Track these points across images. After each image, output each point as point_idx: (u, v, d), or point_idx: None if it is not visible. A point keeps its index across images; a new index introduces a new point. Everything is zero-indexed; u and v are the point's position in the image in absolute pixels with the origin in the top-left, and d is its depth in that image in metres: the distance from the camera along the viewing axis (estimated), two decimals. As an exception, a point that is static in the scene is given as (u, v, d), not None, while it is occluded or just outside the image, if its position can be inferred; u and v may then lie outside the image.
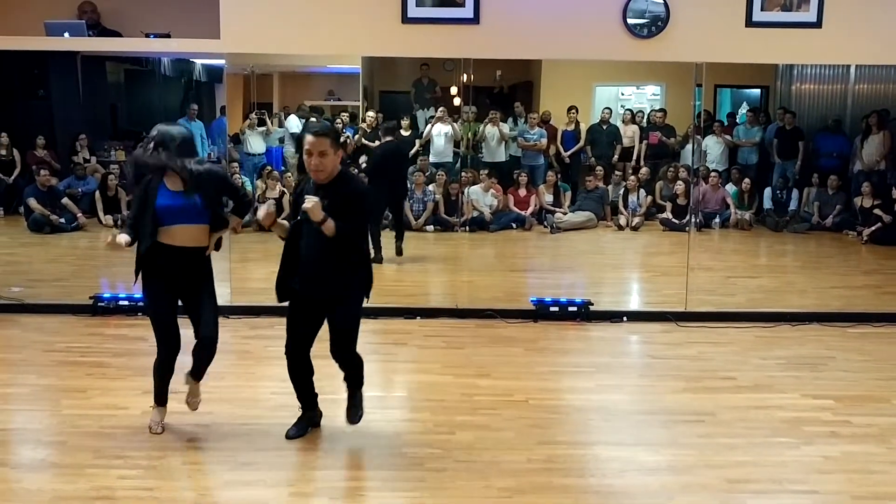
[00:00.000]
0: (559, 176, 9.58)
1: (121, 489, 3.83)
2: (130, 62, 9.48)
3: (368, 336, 6.31)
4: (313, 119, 9.45)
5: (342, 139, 4.19)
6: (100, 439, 4.34)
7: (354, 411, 4.41)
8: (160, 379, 4.43)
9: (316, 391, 4.52)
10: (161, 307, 4.29)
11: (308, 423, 4.49)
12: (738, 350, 6.13)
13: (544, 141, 9.40)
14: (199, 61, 9.32)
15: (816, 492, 3.93)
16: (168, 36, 7.22)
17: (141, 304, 6.82)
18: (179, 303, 4.34)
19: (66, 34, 6.91)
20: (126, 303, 6.80)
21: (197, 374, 4.41)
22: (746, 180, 9.77)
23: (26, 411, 4.77)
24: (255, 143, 9.59)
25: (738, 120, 10.16)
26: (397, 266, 8.43)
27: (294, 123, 9.68)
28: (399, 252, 8.40)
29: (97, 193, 9.28)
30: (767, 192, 9.90)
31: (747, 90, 10.42)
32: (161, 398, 4.47)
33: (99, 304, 6.77)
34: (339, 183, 4.10)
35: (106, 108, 10.06)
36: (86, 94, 9.46)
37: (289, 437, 4.38)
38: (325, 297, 4.20)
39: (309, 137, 4.02)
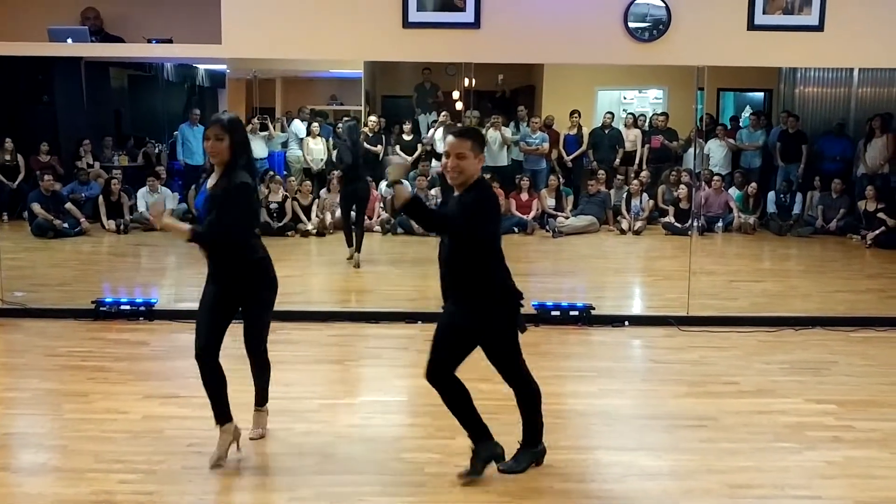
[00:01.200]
0: (561, 180, 9.58)
1: (121, 493, 3.82)
2: (134, 68, 9.52)
3: (368, 341, 6.34)
4: (316, 123, 9.47)
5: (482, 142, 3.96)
6: (101, 443, 4.34)
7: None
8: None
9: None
10: None
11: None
12: (740, 354, 6.11)
13: (546, 145, 9.42)
14: (201, 66, 9.35)
15: (819, 497, 3.91)
16: (171, 41, 7.24)
17: (143, 308, 6.85)
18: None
19: (70, 40, 6.92)
20: (128, 307, 6.81)
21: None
22: (753, 185, 9.76)
23: (28, 415, 4.77)
24: (258, 148, 9.60)
25: (741, 123, 10.16)
26: (398, 270, 8.42)
27: (298, 127, 9.70)
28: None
29: (100, 198, 9.32)
30: (771, 195, 9.89)
31: (750, 93, 10.43)
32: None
33: (101, 308, 6.78)
34: (469, 191, 3.83)
35: (110, 113, 10.10)
36: (89, 99, 9.49)
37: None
38: None
39: (449, 138, 3.84)
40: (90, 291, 7.03)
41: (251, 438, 4.35)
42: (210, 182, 4.04)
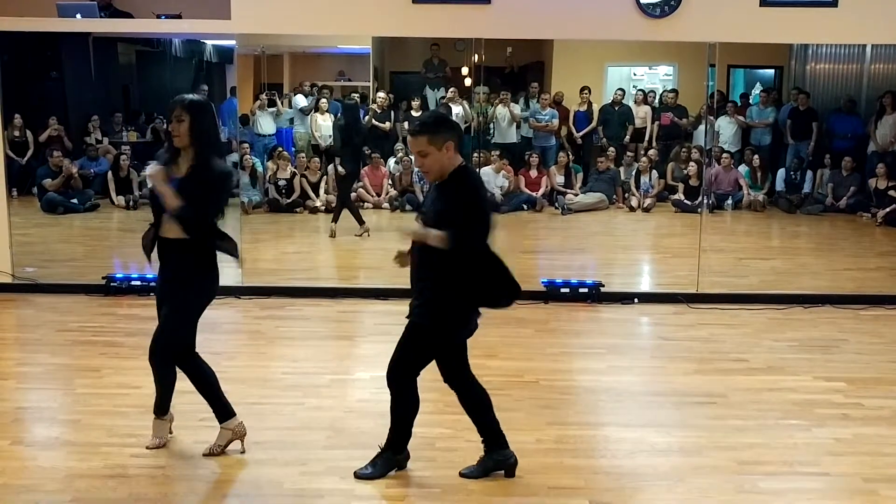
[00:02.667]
0: (571, 157, 9.54)
1: (133, 467, 3.86)
2: (142, 43, 9.48)
3: (377, 317, 6.36)
4: (323, 99, 9.43)
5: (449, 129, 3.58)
6: (113, 418, 4.38)
7: None
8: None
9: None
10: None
11: None
12: (749, 332, 6.11)
13: (556, 122, 9.37)
14: (209, 42, 9.32)
15: (827, 474, 3.92)
16: (179, 17, 7.22)
17: (153, 283, 6.87)
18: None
19: (78, 15, 6.91)
20: (138, 283, 6.83)
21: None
22: (757, 157, 9.71)
23: (40, 390, 4.82)
24: (266, 124, 9.60)
25: (751, 101, 10.09)
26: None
27: (301, 102, 9.68)
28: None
29: (109, 174, 9.31)
30: (781, 173, 9.83)
31: (761, 70, 10.34)
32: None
33: (112, 284, 6.81)
34: (451, 182, 3.57)
35: (118, 89, 10.07)
36: (98, 75, 9.47)
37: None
38: None
39: (409, 137, 3.64)
40: (101, 267, 7.06)
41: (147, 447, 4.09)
42: (181, 168, 3.80)
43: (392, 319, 6.30)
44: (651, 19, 6.63)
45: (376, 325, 6.20)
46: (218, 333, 6.07)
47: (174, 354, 3.91)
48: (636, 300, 6.86)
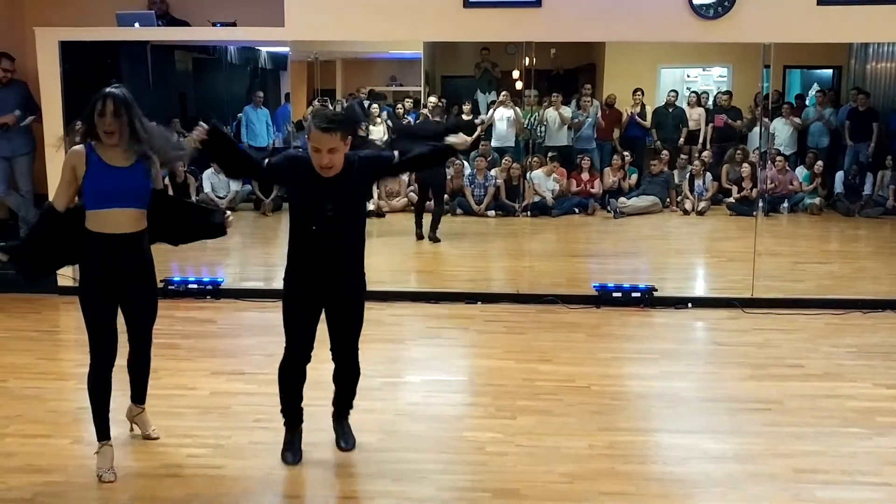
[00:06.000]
0: (627, 160, 9.47)
1: (189, 467, 3.94)
2: (198, 51, 9.65)
3: (429, 321, 6.38)
4: (376, 104, 9.51)
5: (356, 126, 3.81)
6: (169, 418, 4.46)
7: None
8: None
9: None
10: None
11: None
12: (806, 337, 5.99)
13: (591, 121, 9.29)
14: (264, 49, 9.44)
15: (890, 484, 3.82)
16: (234, 24, 7.35)
17: (210, 286, 7.01)
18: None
19: (137, 24, 7.08)
20: (195, 286, 6.97)
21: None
22: (819, 163, 9.52)
23: (100, 391, 4.92)
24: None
25: (807, 102, 9.89)
26: (458, 251, 8.45)
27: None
28: (432, 238, 8.49)
29: (167, 180, 9.49)
30: (839, 175, 9.62)
31: (818, 70, 10.13)
32: (105, 430, 3.91)
33: (169, 287, 6.95)
34: (347, 169, 3.74)
35: (175, 95, 10.27)
36: (156, 82, 9.66)
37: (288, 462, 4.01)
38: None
39: (314, 133, 3.60)
40: (159, 270, 6.96)
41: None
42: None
43: (442, 323, 6.35)
44: (705, 20, 6.55)
45: (427, 329, 6.23)
46: (272, 336, 6.13)
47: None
48: (690, 305, 6.78)
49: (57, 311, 6.76)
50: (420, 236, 8.50)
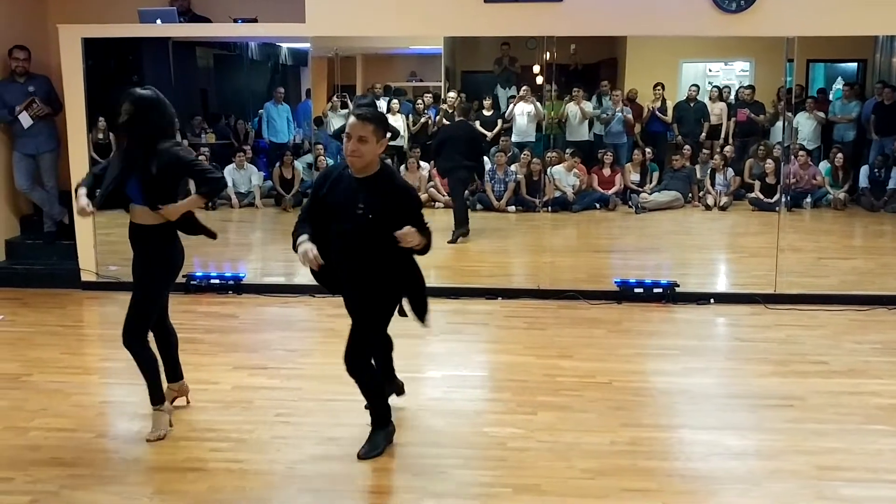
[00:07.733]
0: (648, 155, 9.42)
1: (213, 461, 3.96)
2: (219, 47, 9.69)
3: (450, 316, 6.38)
4: (396, 100, 9.52)
5: (390, 130, 3.92)
6: (192, 413, 4.50)
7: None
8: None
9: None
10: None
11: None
12: (829, 334, 5.94)
13: (629, 117, 9.25)
14: (285, 45, 9.48)
15: (914, 481, 3.79)
16: (255, 21, 7.37)
17: (231, 282, 7.05)
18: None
19: (159, 21, 7.12)
20: (217, 281, 7.01)
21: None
22: (840, 156, 9.43)
23: (123, 385, 4.96)
24: (338, 126, 9.71)
25: (831, 96, 9.79)
26: (479, 247, 8.44)
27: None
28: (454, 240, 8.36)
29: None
30: (864, 170, 9.52)
31: (842, 64, 10.02)
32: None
33: (192, 282, 7.00)
34: (381, 179, 3.82)
35: (196, 92, 10.32)
36: (177, 78, 9.72)
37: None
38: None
39: (352, 120, 3.74)
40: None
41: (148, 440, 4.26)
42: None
43: (462, 318, 6.35)
44: (727, 14, 6.50)
45: (447, 325, 6.23)
46: (294, 331, 6.19)
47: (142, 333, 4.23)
48: (712, 300, 6.74)
49: (80, 306, 6.84)
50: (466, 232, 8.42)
